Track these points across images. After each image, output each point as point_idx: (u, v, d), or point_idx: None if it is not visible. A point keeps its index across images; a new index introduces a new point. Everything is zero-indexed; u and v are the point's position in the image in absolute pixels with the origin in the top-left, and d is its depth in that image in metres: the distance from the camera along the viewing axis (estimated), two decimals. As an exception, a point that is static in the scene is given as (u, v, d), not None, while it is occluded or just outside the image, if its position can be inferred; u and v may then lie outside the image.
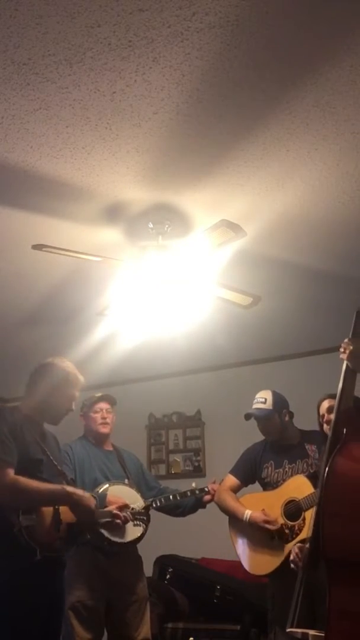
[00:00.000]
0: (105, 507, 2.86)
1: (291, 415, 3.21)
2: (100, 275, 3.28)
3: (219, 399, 5.09)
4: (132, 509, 2.95)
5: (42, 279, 3.45)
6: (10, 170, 2.39)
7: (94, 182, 2.50)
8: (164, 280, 2.83)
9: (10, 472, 2.24)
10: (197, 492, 3.26)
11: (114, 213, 2.75)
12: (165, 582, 4.22)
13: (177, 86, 1.96)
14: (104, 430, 3.23)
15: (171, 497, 3.20)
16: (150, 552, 4.29)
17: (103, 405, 3.27)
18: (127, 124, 2.14)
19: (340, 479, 1.92)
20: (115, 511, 2.68)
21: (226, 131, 2.20)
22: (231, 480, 3.23)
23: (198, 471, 5.10)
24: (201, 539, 4.40)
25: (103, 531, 2.89)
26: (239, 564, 4.40)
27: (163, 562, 4.32)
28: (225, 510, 3.18)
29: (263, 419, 3.16)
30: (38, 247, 2.58)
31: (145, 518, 3.06)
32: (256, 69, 1.90)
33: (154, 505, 3.13)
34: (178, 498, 3.22)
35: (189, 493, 3.25)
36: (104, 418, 3.23)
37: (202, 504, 3.28)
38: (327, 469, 1.93)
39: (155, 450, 5.35)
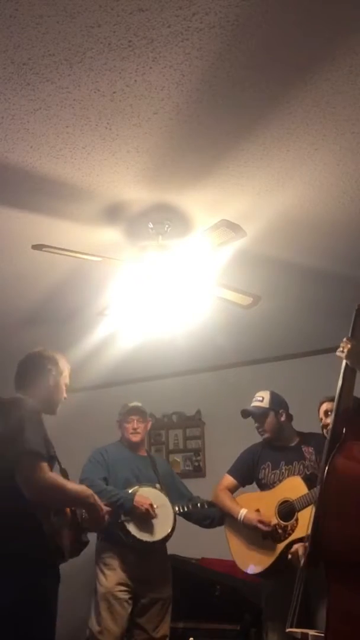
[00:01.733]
0: (134, 506, 3.06)
1: (289, 417, 3.22)
2: (100, 275, 3.28)
3: (219, 399, 5.08)
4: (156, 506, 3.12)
5: (42, 279, 3.45)
6: (10, 170, 2.39)
7: (94, 182, 2.50)
8: (164, 280, 2.83)
9: (47, 468, 2.13)
10: None
11: (114, 213, 2.75)
12: (165, 582, 4.22)
13: (177, 86, 1.96)
14: (135, 439, 3.47)
15: (199, 504, 3.32)
16: (150, 552, 4.28)
17: (134, 417, 3.49)
18: (127, 124, 2.14)
19: (340, 479, 1.92)
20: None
21: (226, 131, 2.20)
22: (228, 480, 3.25)
23: (198, 471, 5.10)
24: (201, 539, 4.40)
25: (130, 528, 3.06)
26: (239, 564, 4.36)
27: (163, 562, 4.32)
28: (221, 509, 3.21)
29: (258, 416, 3.19)
30: (38, 247, 2.57)
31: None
32: (256, 69, 1.90)
33: (180, 510, 3.27)
34: (206, 506, 3.33)
35: None
36: (134, 428, 3.47)
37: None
38: (326, 468, 1.93)
39: (155, 450, 5.34)
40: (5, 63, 1.85)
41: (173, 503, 3.27)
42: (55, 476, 2.17)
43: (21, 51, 1.80)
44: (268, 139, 2.26)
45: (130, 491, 3.15)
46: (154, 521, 3.14)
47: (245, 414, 3.24)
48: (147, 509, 3.09)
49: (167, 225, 2.80)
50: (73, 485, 2.28)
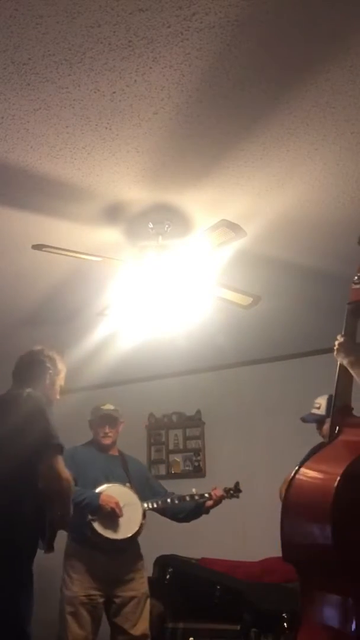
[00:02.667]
0: (100, 505, 3.07)
1: None
2: (100, 275, 3.28)
3: (219, 399, 5.09)
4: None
5: (42, 279, 3.45)
6: (10, 170, 2.39)
7: (94, 182, 2.50)
8: (164, 280, 2.84)
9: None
10: (196, 497, 3.36)
11: (114, 213, 2.75)
12: (165, 582, 4.22)
13: (177, 86, 1.96)
14: (106, 442, 3.45)
15: (169, 500, 3.33)
16: (150, 552, 4.28)
17: (105, 423, 3.46)
18: (127, 124, 2.14)
19: (303, 480, 1.90)
20: None
21: (226, 131, 2.20)
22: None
23: (198, 471, 5.10)
24: (201, 539, 4.41)
25: (96, 527, 3.06)
26: (239, 564, 4.41)
27: (163, 562, 4.32)
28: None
29: (316, 423, 3.22)
30: (38, 247, 2.57)
31: None
32: (256, 69, 1.90)
33: (149, 506, 3.27)
34: (176, 502, 3.34)
35: (187, 498, 3.36)
36: (106, 433, 3.45)
37: (204, 510, 3.36)
38: (297, 467, 1.91)
39: (155, 450, 5.35)
40: (5, 63, 1.85)
41: (143, 500, 3.28)
42: (68, 470, 2.23)
43: (21, 51, 1.80)
44: (268, 139, 2.26)
45: (97, 490, 3.16)
46: (121, 519, 3.14)
47: (304, 420, 3.28)
48: (112, 508, 3.09)
49: (167, 225, 2.80)
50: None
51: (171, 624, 3.92)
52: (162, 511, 3.37)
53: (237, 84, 1.96)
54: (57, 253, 2.64)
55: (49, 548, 2.21)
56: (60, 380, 2.57)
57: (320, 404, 3.25)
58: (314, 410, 3.26)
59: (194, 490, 3.41)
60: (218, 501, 3.36)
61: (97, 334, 3.97)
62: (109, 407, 3.48)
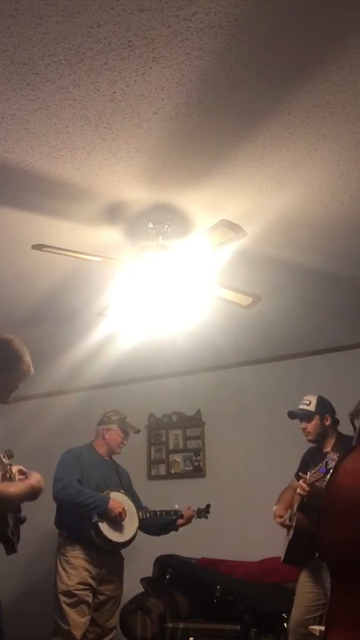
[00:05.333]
0: (108, 508, 3.28)
1: (335, 421, 3.30)
2: (100, 275, 3.28)
3: (219, 399, 5.09)
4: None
5: (42, 279, 3.45)
6: (10, 170, 2.39)
7: (94, 182, 2.50)
8: (164, 280, 2.83)
9: None
10: (172, 513, 3.66)
11: (114, 213, 2.75)
12: (165, 582, 4.22)
13: (177, 86, 1.96)
14: (119, 451, 3.71)
15: (158, 512, 3.63)
16: (150, 552, 4.29)
17: (128, 436, 3.72)
18: (127, 124, 2.14)
19: (344, 479, 1.91)
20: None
21: (226, 131, 2.20)
22: (294, 482, 3.39)
23: (198, 471, 5.10)
24: (201, 539, 4.41)
25: (102, 528, 3.29)
26: (238, 564, 4.41)
27: (163, 562, 4.32)
28: None
29: (303, 419, 3.30)
30: (38, 247, 2.58)
31: None
32: (256, 69, 1.90)
33: (143, 516, 3.56)
34: (163, 515, 3.64)
35: (172, 513, 3.67)
36: (124, 443, 3.71)
37: (174, 527, 3.69)
38: (334, 467, 1.93)
39: (155, 450, 5.35)
40: (5, 63, 1.85)
41: (137, 509, 3.55)
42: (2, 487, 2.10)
43: (21, 51, 1.80)
44: (268, 139, 2.26)
45: (103, 494, 3.39)
46: (123, 524, 3.39)
47: (291, 415, 3.35)
48: (120, 512, 3.33)
49: (167, 225, 2.80)
50: (15, 489, 2.15)
51: (171, 624, 3.92)
52: (144, 522, 3.61)
53: (237, 84, 1.96)
54: (57, 253, 2.64)
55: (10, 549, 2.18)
56: (13, 380, 2.32)
57: (310, 401, 3.33)
58: (303, 406, 3.32)
59: (176, 506, 3.69)
60: (188, 520, 3.67)
61: (97, 334, 3.97)
62: (128, 419, 3.71)
